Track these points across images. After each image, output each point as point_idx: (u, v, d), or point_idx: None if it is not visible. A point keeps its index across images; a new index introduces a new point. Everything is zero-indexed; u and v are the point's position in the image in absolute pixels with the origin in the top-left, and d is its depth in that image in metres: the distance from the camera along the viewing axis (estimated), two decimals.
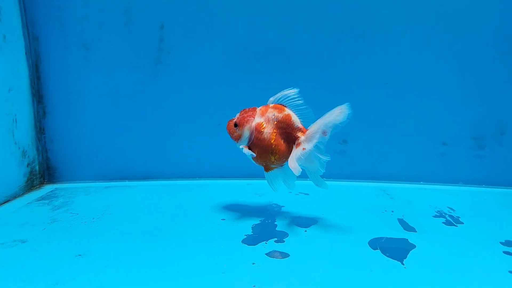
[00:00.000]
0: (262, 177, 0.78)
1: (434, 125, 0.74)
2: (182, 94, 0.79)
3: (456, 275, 0.42)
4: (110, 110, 0.79)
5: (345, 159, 0.77)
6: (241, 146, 0.58)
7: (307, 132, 0.54)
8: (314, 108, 0.55)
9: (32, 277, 0.43)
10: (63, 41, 0.77)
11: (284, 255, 0.47)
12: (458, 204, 0.63)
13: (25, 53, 0.74)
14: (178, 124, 0.80)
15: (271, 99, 0.57)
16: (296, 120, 0.55)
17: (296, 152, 0.54)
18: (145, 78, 0.78)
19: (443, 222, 0.55)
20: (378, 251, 0.47)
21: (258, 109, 0.58)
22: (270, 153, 0.56)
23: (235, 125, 0.58)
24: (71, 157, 0.80)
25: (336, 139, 0.76)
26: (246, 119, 0.57)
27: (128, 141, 0.80)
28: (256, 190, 0.74)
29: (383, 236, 0.51)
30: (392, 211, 0.60)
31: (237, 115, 0.58)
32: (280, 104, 0.56)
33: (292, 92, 0.55)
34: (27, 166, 0.74)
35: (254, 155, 0.57)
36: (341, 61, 0.74)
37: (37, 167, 0.77)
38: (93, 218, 0.61)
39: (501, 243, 0.50)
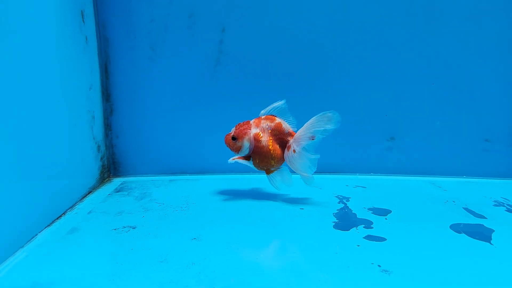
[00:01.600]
0: (318, 171, 0.85)
1: (477, 122, 0.82)
2: (237, 94, 0.84)
3: None
4: (172, 108, 0.84)
5: (392, 154, 0.84)
6: (234, 158, 0.67)
7: (295, 135, 0.64)
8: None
9: (167, 259, 0.48)
10: (131, 43, 0.81)
11: (380, 238, 0.53)
12: (509, 195, 0.72)
13: (97, 54, 0.79)
14: (233, 122, 0.85)
15: (263, 111, 0.67)
16: (286, 126, 0.66)
17: (288, 155, 0.65)
18: (204, 78, 0.84)
19: (505, 210, 0.64)
20: (463, 234, 0.54)
21: (251, 122, 0.67)
22: (270, 158, 0.66)
23: (233, 138, 0.66)
24: (134, 152, 0.85)
25: (384, 137, 0.84)
26: (243, 131, 0.66)
27: (188, 137, 0.85)
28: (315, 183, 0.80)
29: (460, 222, 0.58)
30: (454, 201, 0.68)
31: (233, 129, 0.67)
32: (271, 115, 0.66)
33: (279, 103, 0.66)
34: (100, 160, 0.79)
35: (250, 163, 0.67)
36: (393, 62, 0.81)
37: (105, 162, 0.82)
38: (181, 207, 0.66)
39: None
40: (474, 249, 0.50)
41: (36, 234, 0.55)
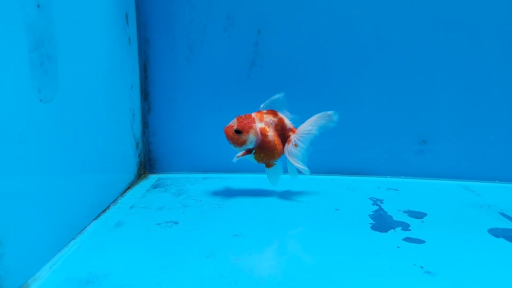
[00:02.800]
0: (346, 173, 0.87)
1: (508, 126, 0.82)
2: (272, 94, 0.85)
3: None
4: (207, 107, 0.86)
5: (424, 158, 0.85)
6: (240, 155, 0.67)
7: (298, 131, 0.67)
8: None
9: (213, 253, 0.50)
10: (170, 43, 0.84)
11: (419, 241, 0.54)
12: None
13: (138, 54, 0.81)
14: None
15: (262, 105, 0.69)
16: (287, 122, 0.69)
17: (290, 150, 0.67)
18: (240, 78, 0.85)
19: None
20: (502, 238, 0.55)
21: (253, 116, 0.67)
22: (275, 152, 0.68)
23: (238, 131, 0.65)
24: (170, 150, 0.87)
25: (416, 140, 0.84)
26: (248, 125, 0.66)
27: (221, 137, 0.87)
28: (344, 184, 0.81)
29: (497, 227, 0.59)
30: (489, 206, 0.68)
31: (234, 122, 0.67)
32: (272, 110, 0.68)
33: (279, 96, 0.68)
34: (138, 156, 0.82)
35: (251, 157, 0.68)
36: (426, 66, 0.82)
37: (142, 158, 0.84)
38: (218, 205, 0.68)
39: None
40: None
41: (85, 227, 0.57)
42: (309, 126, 0.67)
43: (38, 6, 0.45)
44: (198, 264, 0.48)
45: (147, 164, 0.87)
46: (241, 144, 0.66)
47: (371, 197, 0.73)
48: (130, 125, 0.76)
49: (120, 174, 0.72)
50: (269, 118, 0.68)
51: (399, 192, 0.76)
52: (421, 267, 0.47)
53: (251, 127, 0.66)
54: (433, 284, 0.43)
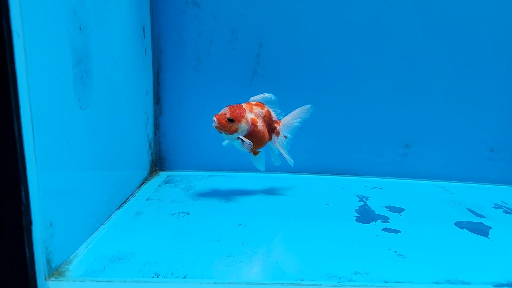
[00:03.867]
0: (337, 173, 0.96)
1: (482, 134, 0.92)
2: None
3: None
4: (213, 112, 0.95)
5: (407, 160, 0.95)
6: (242, 139, 0.71)
7: (283, 123, 0.76)
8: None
9: (221, 239, 0.60)
10: (180, 53, 0.93)
11: (395, 231, 0.64)
12: (508, 199, 0.82)
13: (152, 63, 0.90)
14: None
15: (253, 98, 0.76)
16: (273, 114, 0.77)
17: (281, 141, 0.77)
18: (242, 86, 0.95)
19: (503, 212, 0.74)
20: (465, 230, 0.65)
21: (244, 106, 0.72)
22: (262, 141, 0.74)
23: (231, 120, 0.69)
24: (179, 149, 0.97)
25: (401, 144, 0.94)
26: (241, 114, 0.70)
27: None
28: (335, 183, 0.91)
29: (462, 220, 0.69)
30: (459, 203, 0.78)
31: (226, 110, 0.70)
32: (260, 102, 0.76)
33: (268, 95, 0.76)
34: (151, 155, 0.91)
35: (251, 143, 0.72)
36: (409, 78, 0.92)
37: (154, 157, 0.94)
38: (224, 199, 0.77)
39: None
40: (474, 241, 0.61)
41: (110, 215, 0.66)
42: (293, 119, 0.76)
43: (80, 29, 0.54)
44: (208, 247, 0.57)
45: (158, 162, 0.96)
46: (232, 132, 0.70)
47: (358, 195, 0.83)
48: (145, 127, 0.85)
49: (136, 171, 0.81)
50: (258, 110, 0.73)
51: (383, 191, 0.86)
52: (395, 251, 0.57)
53: (243, 117, 0.70)
54: (403, 264, 0.53)
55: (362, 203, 0.77)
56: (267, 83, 0.94)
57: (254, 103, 0.75)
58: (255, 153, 0.78)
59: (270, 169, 0.97)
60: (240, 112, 0.71)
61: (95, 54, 0.58)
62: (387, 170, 0.95)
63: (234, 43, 0.93)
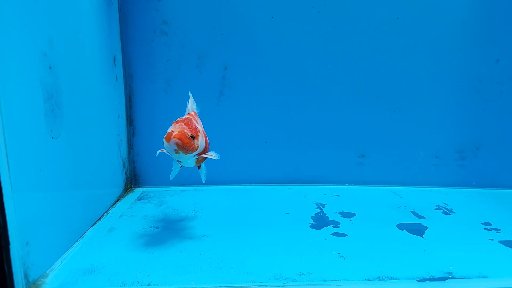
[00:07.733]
0: (300, 183, 1.04)
1: (430, 142, 1.01)
2: (238, 119, 1.03)
3: (457, 243, 0.68)
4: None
5: (362, 169, 1.03)
6: (200, 155, 0.62)
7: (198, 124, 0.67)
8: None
9: (185, 249, 0.66)
10: (150, 78, 1.00)
11: (343, 234, 0.72)
12: (449, 200, 0.91)
13: (123, 88, 0.97)
14: (234, 141, 1.04)
15: (189, 107, 0.72)
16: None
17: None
18: (210, 106, 1.02)
19: (442, 212, 0.82)
20: (405, 231, 0.72)
21: (187, 117, 0.63)
22: (206, 151, 0.65)
23: (192, 137, 0.58)
24: (152, 167, 1.03)
25: (356, 154, 1.02)
26: (196, 129, 0.60)
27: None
28: (298, 192, 0.98)
29: (404, 222, 0.77)
30: (405, 206, 0.86)
31: (182, 126, 0.59)
32: (193, 111, 0.70)
33: (191, 99, 0.71)
34: (125, 173, 0.97)
35: (219, 156, 0.64)
36: (361, 97, 1.00)
37: (128, 175, 1.00)
38: (193, 212, 0.84)
39: (481, 223, 0.78)
40: (410, 241, 0.68)
41: (85, 232, 0.73)
42: (199, 122, 0.68)
43: (50, 68, 0.61)
44: (173, 257, 0.63)
45: (133, 180, 1.03)
46: (193, 150, 0.59)
47: (317, 202, 0.90)
48: (118, 148, 0.92)
49: (110, 189, 0.88)
50: (197, 119, 0.66)
51: (340, 198, 0.94)
52: (338, 253, 0.64)
53: (198, 130, 0.60)
54: (342, 264, 0.60)
55: (319, 210, 0.85)
56: (233, 102, 1.02)
57: (193, 112, 0.67)
58: (199, 166, 0.72)
59: (240, 181, 1.05)
60: (194, 126, 0.60)
61: (65, 88, 0.65)
62: (344, 178, 1.03)
63: (201, 67, 1.00)
